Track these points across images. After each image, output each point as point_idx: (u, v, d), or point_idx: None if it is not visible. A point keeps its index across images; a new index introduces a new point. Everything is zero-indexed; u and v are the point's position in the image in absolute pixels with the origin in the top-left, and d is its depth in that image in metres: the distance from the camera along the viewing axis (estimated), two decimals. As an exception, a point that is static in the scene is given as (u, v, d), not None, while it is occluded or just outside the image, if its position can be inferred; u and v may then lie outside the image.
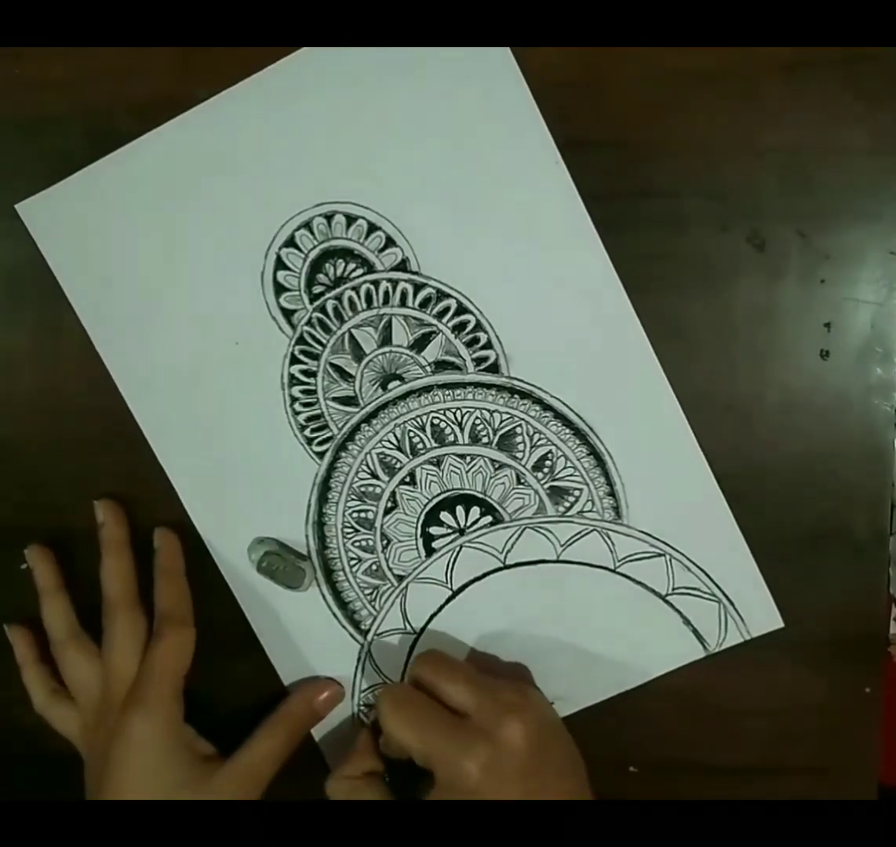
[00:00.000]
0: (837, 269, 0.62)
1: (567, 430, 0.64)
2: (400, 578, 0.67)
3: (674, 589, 0.64)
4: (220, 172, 0.65)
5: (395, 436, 0.66)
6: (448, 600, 0.66)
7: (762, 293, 0.63)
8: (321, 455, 0.66)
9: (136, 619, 0.66)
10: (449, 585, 0.66)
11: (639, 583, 0.64)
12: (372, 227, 0.64)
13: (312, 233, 0.65)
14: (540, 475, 0.65)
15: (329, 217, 0.64)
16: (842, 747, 0.66)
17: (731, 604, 0.64)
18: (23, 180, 0.67)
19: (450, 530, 0.66)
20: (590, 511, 0.65)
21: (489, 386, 0.64)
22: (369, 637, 0.67)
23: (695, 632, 0.65)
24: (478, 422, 0.65)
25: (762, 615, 0.64)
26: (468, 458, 0.65)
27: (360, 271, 0.65)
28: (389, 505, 0.66)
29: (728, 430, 0.64)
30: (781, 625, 0.64)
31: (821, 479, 0.64)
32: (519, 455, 0.65)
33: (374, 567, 0.67)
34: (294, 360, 0.66)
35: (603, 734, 0.66)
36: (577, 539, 0.65)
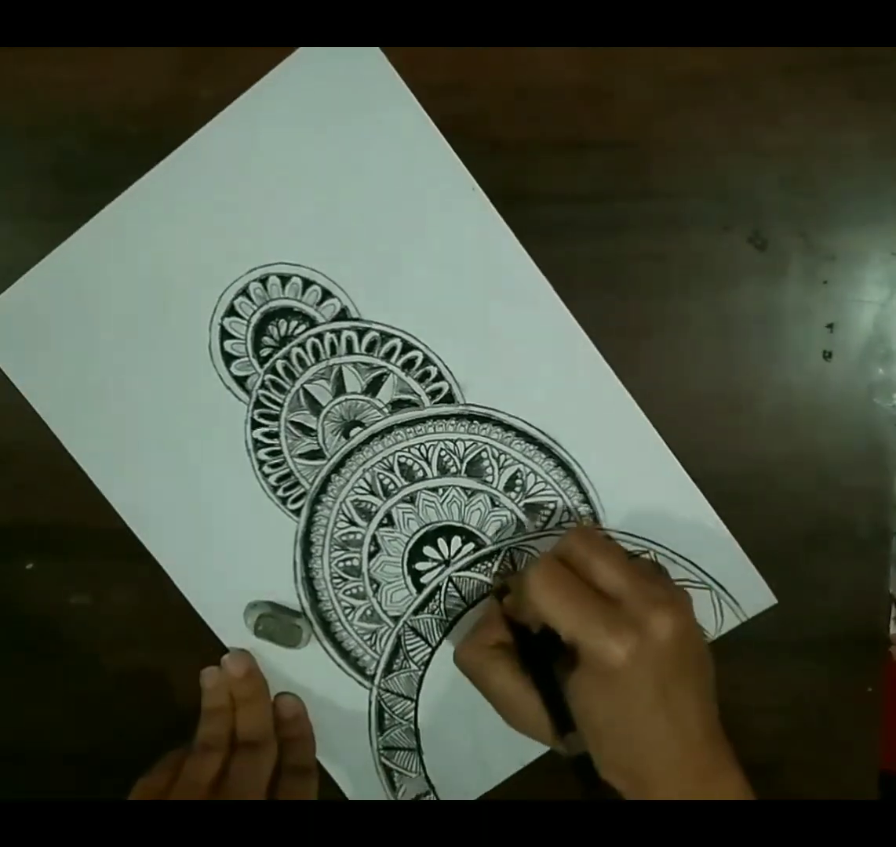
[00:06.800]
0: (840, 270, 0.63)
1: (531, 447, 0.65)
2: (395, 619, 0.67)
3: (664, 583, 0.65)
4: (153, 254, 0.66)
5: (366, 481, 0.67)
6: (446, 632, 0.67)
7: (764, 294, 0.63)
8: (297, 512, 0.67)
9: None
10: (445, 617, 0.67)
11: (629, 583, 0.65)
12: (307, 283, 0.65)
13: (251, 298, 0.66)
14: (513, 495, 0.66)
15: (263, 280, 0.66)
16: (843, 746, 0.67)
17: (723, 588, 0.65)
18: (27, 182, 0.67)
19: (436, 563, 0.67)
20: (568, 521, 0.65)
21: (447, 416, 0.65)
22: (376, 680, 0.68)
23: (692, 622, 0.65)
24: (443, 453, 0.66)
25: (754, 595, 0.65)
26: (440, 490, 0.66)
27: (303, 327, 0.66)
28: (372, 549, 0.67)
29: (731, 430, 0.64)
30: (775, 601, 0.65)
31: (823, 478, 0.64)
32: (489, 479, 0.66)
33: (368, 612, 0.67)
34: (255, 425, 0.67)
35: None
36: (561, 550, 0.66)
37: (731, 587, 0.65)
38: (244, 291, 0.66)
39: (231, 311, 0.66)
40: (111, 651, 0.71)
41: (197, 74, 0.64)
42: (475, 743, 0.67)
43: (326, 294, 0.65)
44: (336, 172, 0.64)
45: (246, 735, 0.68)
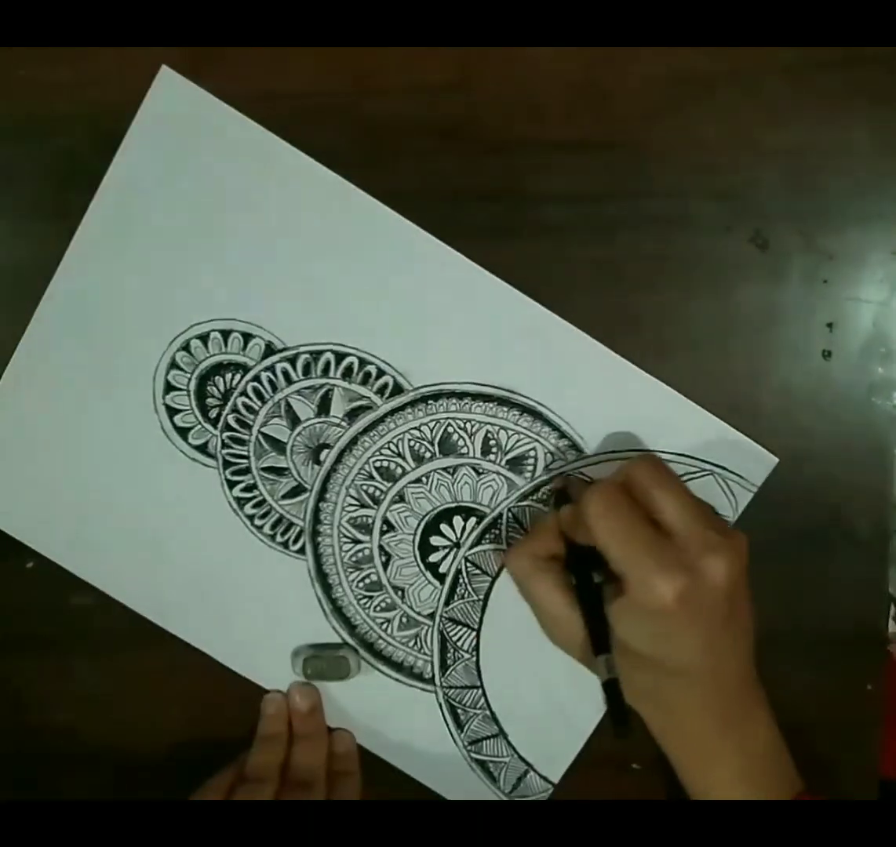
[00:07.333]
0: (840, 269, 0.63)
1: (491, 404, 0.65)
2: (431, 616, 0.67)
3: (666, 486, 0.65)
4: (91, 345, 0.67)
5: (353, 497, 0.67)
6: (483, 611, 0.67)
7: (765, 293, 0.64)
8: (301, 551, 0.67)
9: None
10: (476, 597, 0.67)
11: (633, 498, 0.65)
12: (226, 334, 0.66)
13: (182, 368, 0.66)
14: (492, 457, 0.65)
15: (186, 347, 0.66)
16: (843, 745, 0.66)
17: (723, 468, 0.64)
18: (28, 181, 0.66)
19: (447, 550, 0.66)
20: (554, 462, 0.65)
21: (402, 407, 0.66)
22: (437, 681, 0.67)
23: (709, 512, 0.65)
24: (412, 442, 0.66)
25: (755, 463, 0.64)
26: (424, 479, 0.66)
27: (238, 376, 0.67)
28: (384, 558, 0.67)
29: (730, 430, 0.65)
30: (776, 460, 0.64)
31: (822, 478, 0.65)
32: (464, 450, 0.66)
33: (404, 620, 0.67)
34: (231, 484, 0.67)
35: (606, 731, 0.66)
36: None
37: (730, 464, 0.64)
38: (174, 363, 0.67)
39: (169, 387, 0.67)
40: (111, 651, 0.70)
41: (197, 74, 0.64)
42: (551, 705, 0.66)
43: (247, 337, 0.66)
44: (220, 217, 0.65)
45: (299, 772, 0.66)
